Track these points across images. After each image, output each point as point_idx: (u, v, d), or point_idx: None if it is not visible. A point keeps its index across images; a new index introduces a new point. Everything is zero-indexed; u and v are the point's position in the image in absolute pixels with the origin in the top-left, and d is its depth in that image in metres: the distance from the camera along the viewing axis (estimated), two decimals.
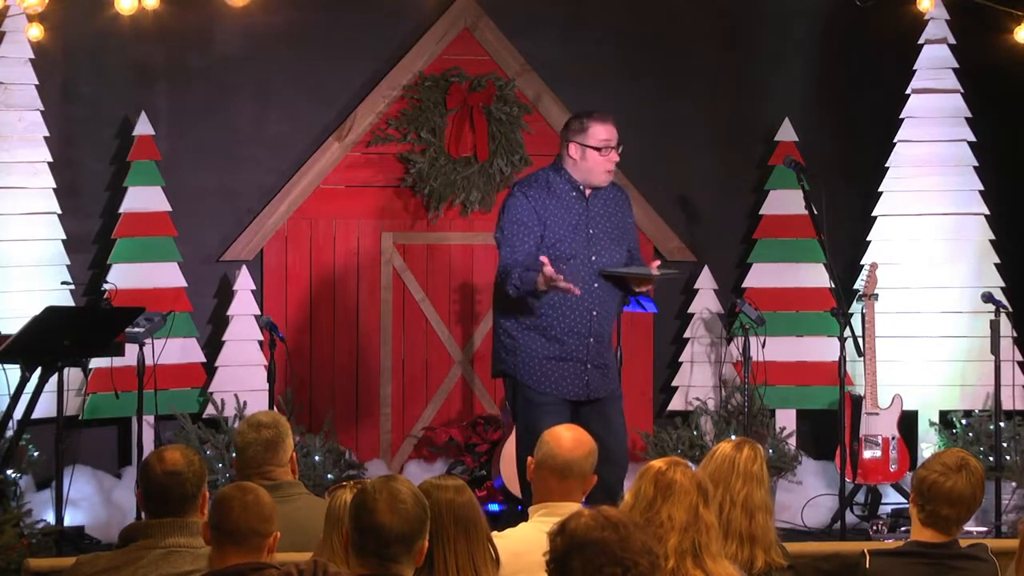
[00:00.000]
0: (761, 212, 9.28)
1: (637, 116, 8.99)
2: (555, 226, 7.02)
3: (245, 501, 4.14)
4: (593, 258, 7.06)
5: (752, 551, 4.67)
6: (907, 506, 6.20)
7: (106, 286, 8.18)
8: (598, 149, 7.00)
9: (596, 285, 7.05)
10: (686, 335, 9.20)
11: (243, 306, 8.77)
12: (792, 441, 9.04)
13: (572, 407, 7.09)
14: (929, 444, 8.94)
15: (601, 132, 7.02)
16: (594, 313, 7.05)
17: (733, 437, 8.17)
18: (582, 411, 7.08)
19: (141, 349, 7.92)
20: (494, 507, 8.49)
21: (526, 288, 6.90)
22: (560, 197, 7.06)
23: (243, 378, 8.69)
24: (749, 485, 4.71)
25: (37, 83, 8.32)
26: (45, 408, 7.57)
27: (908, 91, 9.14)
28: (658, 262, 7.15)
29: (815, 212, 8.03)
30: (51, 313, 7.06)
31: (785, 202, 9.14)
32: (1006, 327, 8.74)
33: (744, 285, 9.20)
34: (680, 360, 9.21)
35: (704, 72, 9.30)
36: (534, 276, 6.83)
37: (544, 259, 6.82)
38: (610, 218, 7.13)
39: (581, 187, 7.09)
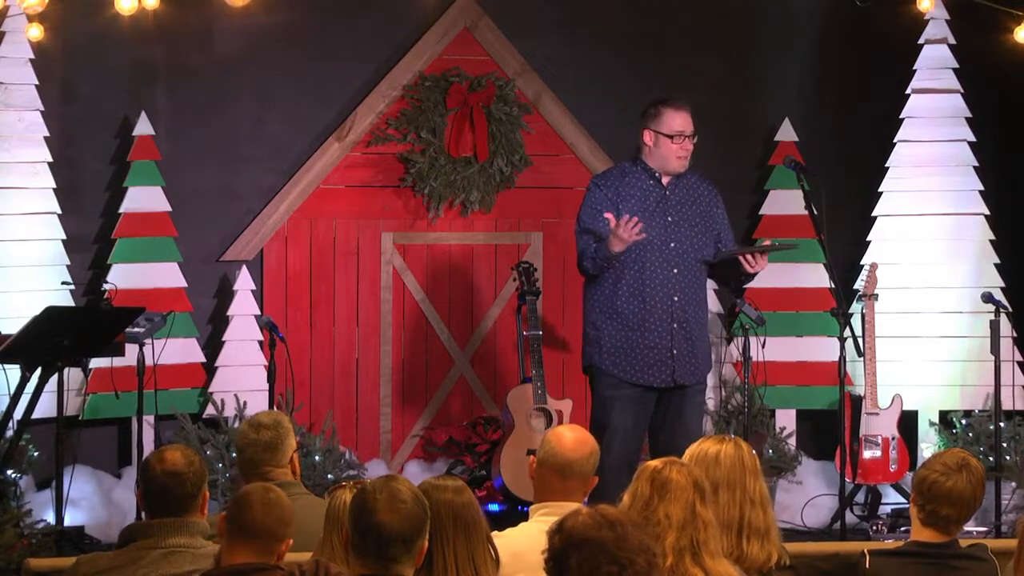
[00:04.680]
0: (761, 212, 9.28)
1: (637, 116, 8.97)
2: (629, 212, 7.11)
3: (267, 499, 4.15)
4: (672, 244, 7.20)
5: (768, 546, 4.64)
6: (907, 506, 6.20)
7: (106, 286, 8.18)
8: (670, 137, 7.17)
9: (676, 271, 7.19)
10: None
11: (243, 306, 8.77)
12: (792, 441, 9.04)
13: (653, 397, 7.20)
14: (929, 444, 8.94)
15: (675, 121, 7.21)
16: (675, 299, 7.19)
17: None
18: (662, 400, 7.23)
19: (141, 349, 7.91)
20: (494, 507, 8.49)
21: (602, 256, 7.06)
22: (636, 185, 7.26)
23: (243, 378, 8.69)
24: (758, 480, 4.70)
25: (37, 83, 8.31)
26: (45, 408, 7.57)
27: (908, 91, 9.14)
28: (768, 241, 7.21)
29: (815, 212, 8.03)
30: (51, 313, 7.06)
31: (785, 202, 9.14)
32: (1006, 327, 8.73)
33: (744, 285, 9.18)
34: None
35: (704, 72, 9.30)
36: (606, 244, 7.01)
37: (609, 215, 6.99)
38: (692, 207, 7.28)
39: (658, 175, 7.25)
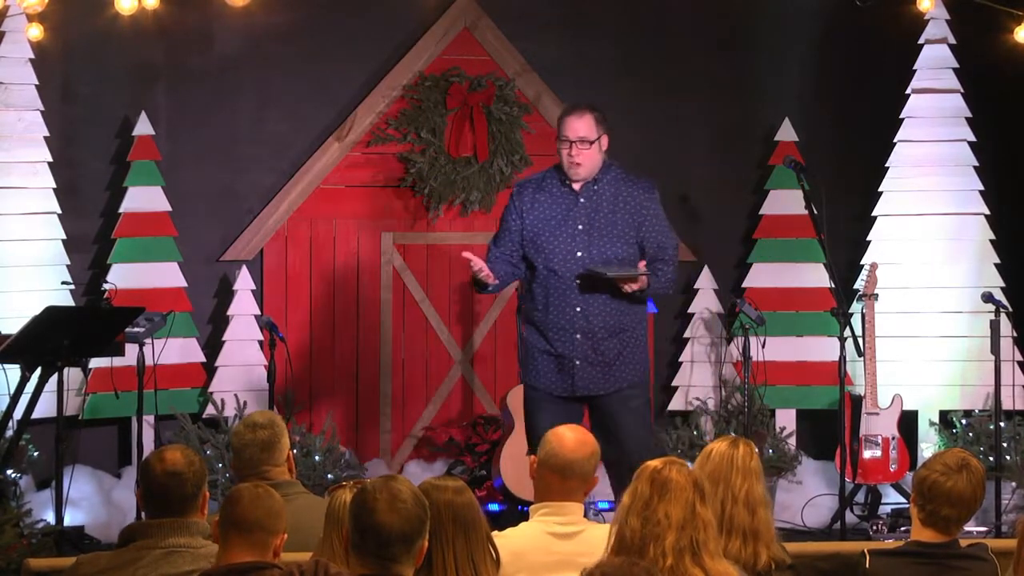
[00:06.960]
0: (761, 212, 9.28)
1: (637, 116, 9.00)
2: (536, 220, 7.06)
3: (255, 493, 4.19)
4: (579, 253, 7.01)
5: (755, 547, 4.67)
6: (907, 506, 6.21)
7: (106, 286, 8.18)
8: (559, 141, 7.08)
9: (579, 281, 7.02)
10: (686, 335, 9.20)
11: (243, 306, 8.77)
12: (792, 441, 9.04)
13: (575, 404, 7.11)
14: (929, 444, 8.95)
15: (562, 126, 7.08)
16: (578, 309, 7.03)
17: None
18: (594, 408, 7.12)
19: (141, 349, 7.92)
20: (494, 507, 8.50)
21: (473, 281, 7.11)
22: (549, 192, 7.11)
23: (243, 378, 8.70)
24: (749, 480, 4.72)
25: (37, 83, 8.32)
26: (45, 408, 7.57)
27: (908, 91, 9.14)
28: (643, 262, 7.08)
29: (815, 212, 8.03)
30: (51, 313, 7.05)
31: (785, 202, 9.14)
32: (1006, 327, 8.73)
33: (744, 285, 9.20)
34: (680, 360, 9.21)
35: (704, 72, 9.30)
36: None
37: (466, 254, 6.97)
38: (610, 214, 7.05)
39: (568, 181, 7.09)
